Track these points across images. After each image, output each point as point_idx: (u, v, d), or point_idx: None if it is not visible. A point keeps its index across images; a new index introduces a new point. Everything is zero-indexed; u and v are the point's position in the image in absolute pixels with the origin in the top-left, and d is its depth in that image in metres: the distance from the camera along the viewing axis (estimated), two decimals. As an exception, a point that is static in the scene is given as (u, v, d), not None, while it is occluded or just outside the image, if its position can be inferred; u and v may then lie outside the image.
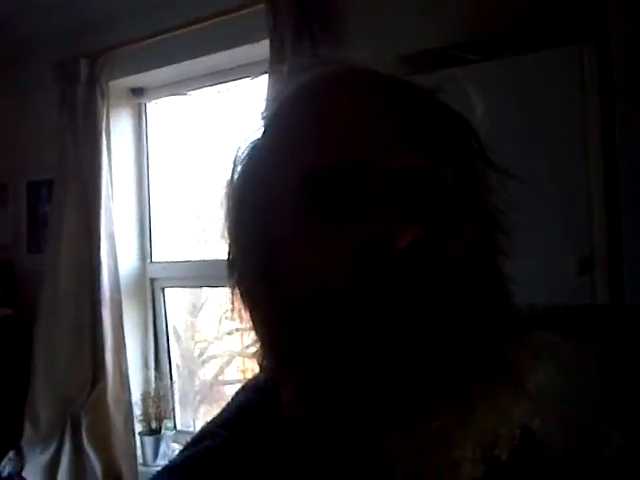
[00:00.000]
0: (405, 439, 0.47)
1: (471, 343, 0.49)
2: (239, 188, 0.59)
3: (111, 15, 2.75)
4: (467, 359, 0.49)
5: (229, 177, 0.60)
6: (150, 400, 2.76)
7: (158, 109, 3.01)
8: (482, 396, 0.49)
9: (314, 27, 2.13)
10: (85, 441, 2.65)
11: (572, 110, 1.69)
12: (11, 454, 2.64)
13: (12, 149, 3.26)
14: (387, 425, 0.48)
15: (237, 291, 0.58)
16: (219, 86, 2.73)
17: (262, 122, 0.60)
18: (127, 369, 2.70)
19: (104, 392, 2.67)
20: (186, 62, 2.61)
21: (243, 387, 0.64)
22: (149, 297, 2.94)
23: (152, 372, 2.88)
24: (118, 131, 2.90)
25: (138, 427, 2.73)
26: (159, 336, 2.94)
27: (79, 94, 2.72)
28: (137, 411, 2.74)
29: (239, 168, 0.59)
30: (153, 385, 2.85)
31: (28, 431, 2.71)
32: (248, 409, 0.59)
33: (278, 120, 0.58)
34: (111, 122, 2.82)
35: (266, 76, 2.29)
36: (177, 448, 2.70)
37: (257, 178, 0.57)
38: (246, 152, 0.59)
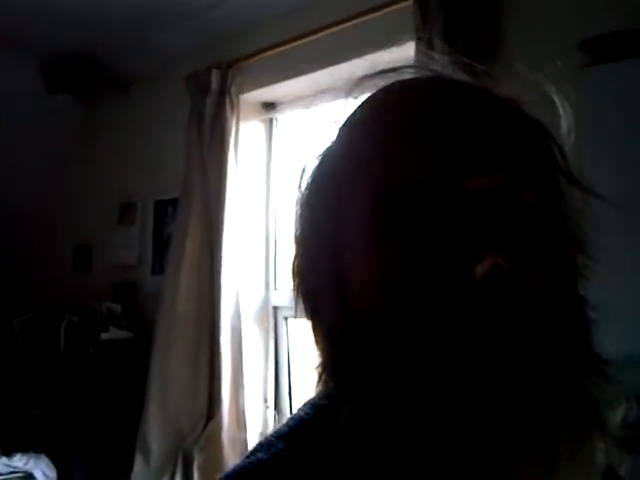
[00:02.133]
0: None
1: (554, 384, 0.46)
2: (310, 195, 0.57)
3: (244, 25, 2.62)
4: (551, 403, 0.45)
5: (299, 183, 0.58)
6: (267, 441, 2.50)
7: (288, 123, 2.82)
8: (567, 445, 0.45)
9: (470, 23, 1.84)
10: (197, 481, 2.44)
11: None
12: (120, 488, 2.48)
13: (142, 167, 3.19)
14: (453, 471, 0.45)
15: (301, 301, 0.57)
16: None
17: (337, 128, 0.57)
18: (244, 405, 2.48)
19: (219, 429, 2.46)
20: (320, 72, 2.40)
21: (305, 403, 0.61)
22: (271, 327, 2.71)
23: (271, 410, 2.64)
24: (247, 147, 2.72)
25: (254, 470, 2.47)
26: (280, 370, 2.70)
27: (208, 105, 2.59)
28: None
29: (310, 174, 0.57)
30: (271, 425, 2.60)
31: (139, 464, 2.54)
32: (305, 423, 0.57)
33: (353, 129, 0.56)
34: (240, 137, 2.64)
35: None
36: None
37: (329, 187, 0.55)
38: (319, 158, 0.57)
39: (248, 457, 0.56)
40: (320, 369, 0.56)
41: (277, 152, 2.82)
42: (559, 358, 0.47)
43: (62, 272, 3.61)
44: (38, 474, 2.55)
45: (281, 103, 2.75)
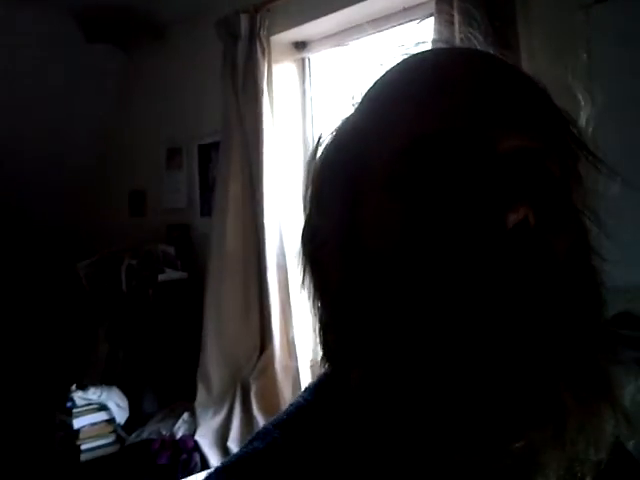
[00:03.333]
0: (479, 455, 0.44)
1: (566, 351, 0.45)
2: (330, 154, 0.56)
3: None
4: (561, 369, 0.45)
5: (315, 144, 0.58)
6: (318, 368, 2.64)
7: (320, 62, 2.84)
8: (576, 414, 0.45)
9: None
10: (254, 406, 2.62)
11: None
12: (185, 416, 2.69)
13: (184, 113, 3.28)
14: (458, 436, 0.44)
15: (309, 261, 0.55)
16: (382, 33, 2.49)
17: (357, 97, 0.57)
18: (293, 335, 2.61)
19: (271, 358, 2.63)
20: (348, 9, 2.41)
21: (305, 387, 0.62)
22: (317, 261, 2.81)
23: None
24: (281, 88, 2.78)
25: (307, 396, 2.63)
26: (327, 301, 2.80)
27: (239, 50, 2.63)
28: (306, 379, 2.63)
29: (329, 136, 0.57)
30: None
31: (201, 394, 2.74)
32: (303, 409, 0.57)
33: (382, 87, 0.55)
34: (274, 79, 2.70)
35: (432, 19, 2.03)
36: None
37: (354, 144, 0.53)
38: (339, 123, 0.57)
39: (246, 446, 0.56)
40: (322, 335, 0.55)
41: (311, 91, 2.85)
42: (573, 327, 0.46)
43: (119, 217, 3.79)
44: (111, 405, 2.77)
45: (312, 42, 2.77)
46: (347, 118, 0.56)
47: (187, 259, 3.14)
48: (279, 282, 2.62)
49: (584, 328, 0.47)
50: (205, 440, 2.58)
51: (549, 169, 0.49)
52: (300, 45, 2.80)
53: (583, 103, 0.57)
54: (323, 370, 0.58)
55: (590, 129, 0.56)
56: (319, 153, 0.57)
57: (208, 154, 3.12)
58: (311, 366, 2.69)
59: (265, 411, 2.61)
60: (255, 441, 0.56)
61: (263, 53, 2.60)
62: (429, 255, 0.45)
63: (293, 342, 2.61)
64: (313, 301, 0.56)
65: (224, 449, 2.57)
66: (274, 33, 2.67)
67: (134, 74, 3.69)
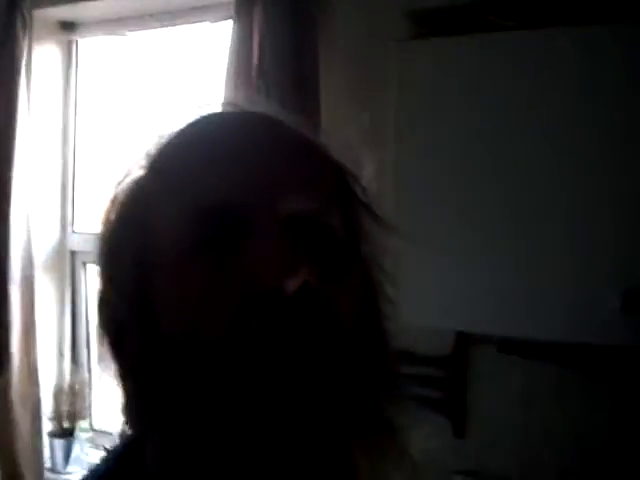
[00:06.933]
0: None
1: (353, 408, 0.49)
2: (119, 225, 0.55)
3: None
4: (350, 427, 0.49)
5: (106, 214, 0.56)
6: (63, 396, 2.41)
7: (91, 49, 2.57)
8: (366, 472, 0.50)
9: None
10: (-18, 442, 2.27)
11: (622, 103, 1.38)
12: None
13: None
14: None
15: (106, 333, 0.54)
16: (167, 29, 2.31)
17: (147, 159, 0.56)
18: (36, 358, 2.34)
19: (8, 385, 2.30)
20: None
21: (107, 453, 0.61)
22: (68, 273, 2.55)
23: (67, 363, 2.52)
24: (42, 72, 2.46)
25: (47, 427, 2.40)
26: (77, 320, 2.56)
27: (-6, 23, 2.25)
28: (47, 408, 2.40)
29: (118, 205, 0.55)
30: (68, 378, 2.48)
31: None
32: (102, 478, 0.56)
33: (168, 155, 0.55)
34: (33, 61, 2.39)
35: (229, 22, 1.91)
36: (92, 452, 2.36)
37: (140, 214, 0.53)
38: (128, 189, 0.56)
39: None
40: (123, 406, 0.54)
41: (77, 79, 2.57)
42: (358, 382, 0.49)
43: None
44: None
45: (83, 24, 2.49)
46: (135, 182, 0.55)
47: None
48: (22, 298, 2.30)
49: (370, 381, 0.51)
50: None
51: (331, 228, 0.51)
52: (68, 26, 2.50)
53: (367, 165, 0.59)
54: (125, 436, 0.57)
55: (375, 186, 0.59)
56: (114, 215, 0.55)
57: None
58: (54, 395, 2.40)
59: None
60: None
61: (24, 29, 2.28)
62: (221, 327, 0.46)
63: (35, 366, 2.34)
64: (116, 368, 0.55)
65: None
66: (38, 7, 2.35)
67: None
